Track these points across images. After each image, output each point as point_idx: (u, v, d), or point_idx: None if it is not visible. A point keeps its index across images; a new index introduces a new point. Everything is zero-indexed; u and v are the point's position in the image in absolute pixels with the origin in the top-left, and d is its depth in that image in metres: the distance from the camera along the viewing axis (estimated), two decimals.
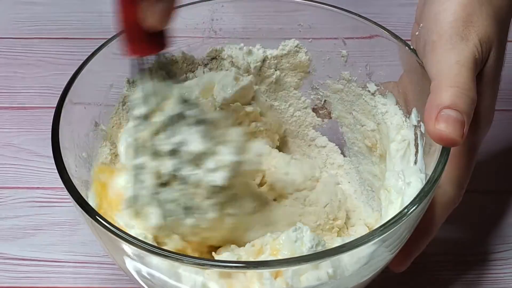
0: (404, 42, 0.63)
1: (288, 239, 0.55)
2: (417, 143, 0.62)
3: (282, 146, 0.74)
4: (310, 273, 0.52)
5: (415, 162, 0.62)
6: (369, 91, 0.68)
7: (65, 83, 0.60)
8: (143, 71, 0.56)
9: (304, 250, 0.54)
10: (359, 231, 0.66)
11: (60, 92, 0.60)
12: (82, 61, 0.62)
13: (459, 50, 0.57)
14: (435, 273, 0.67)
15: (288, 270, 0.51)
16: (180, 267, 0.51)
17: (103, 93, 0.65)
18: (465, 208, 0.63)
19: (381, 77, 0.67)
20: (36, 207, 0.73)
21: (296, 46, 0.70)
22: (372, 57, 0.67)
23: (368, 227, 0.67)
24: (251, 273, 0.52)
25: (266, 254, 0.56)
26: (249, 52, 0.70)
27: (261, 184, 0.67)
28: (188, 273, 0.51)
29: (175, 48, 0.67)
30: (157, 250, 0.50)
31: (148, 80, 0.56)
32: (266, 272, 0.51)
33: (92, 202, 0.58)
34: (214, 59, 0.70)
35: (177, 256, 0.50)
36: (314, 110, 0.73)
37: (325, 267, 0.52)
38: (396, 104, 0.66)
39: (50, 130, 0.57)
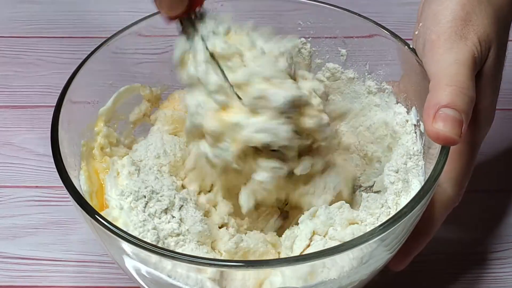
0: (404, 42, 0.63)
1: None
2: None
3: None
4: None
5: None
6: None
7: (65, 82, 0.60)
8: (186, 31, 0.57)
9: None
10: None
11: (60, 91, 0.60)
12: (81, 60, 0.62)
13: (458, 49, 0.57)
14: (434, 272, 0.67)
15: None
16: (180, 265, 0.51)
17: (103, 92, 0.65)
18: (464, 208, 0.63)
19: (381, 76, 0.67)
20: (35, 206, 0.73)
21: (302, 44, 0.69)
22: (371, 56, 0.67)
23: None
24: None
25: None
26: None
27: None
28: (186, 272, 0.51)
29: None
30: (156, 249, 0.50)
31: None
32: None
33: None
34: None
35: (174, 254, 0.50)
36: None
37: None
38: (397, 103, 0.66)
39: (50, 129, 0.57)
